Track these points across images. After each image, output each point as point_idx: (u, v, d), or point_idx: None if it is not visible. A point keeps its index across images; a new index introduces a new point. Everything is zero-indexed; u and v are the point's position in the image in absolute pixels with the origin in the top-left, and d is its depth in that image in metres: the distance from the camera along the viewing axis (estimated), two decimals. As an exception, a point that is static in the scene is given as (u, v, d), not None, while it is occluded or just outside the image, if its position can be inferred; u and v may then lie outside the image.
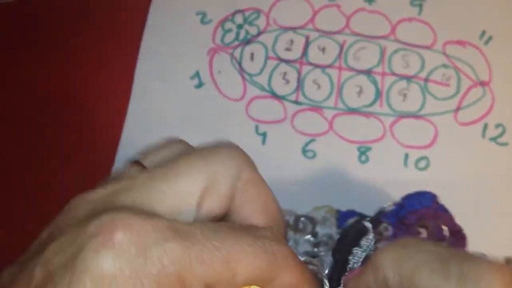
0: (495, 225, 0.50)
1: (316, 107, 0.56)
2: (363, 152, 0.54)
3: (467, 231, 0.37)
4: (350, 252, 0.26)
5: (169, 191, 0.23)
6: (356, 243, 0.26)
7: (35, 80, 0.60)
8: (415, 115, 0.55)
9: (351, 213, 0.33)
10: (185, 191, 0.24)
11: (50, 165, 0.55)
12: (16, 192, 0.55)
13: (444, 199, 0.38)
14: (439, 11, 0.59)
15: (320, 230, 0.34)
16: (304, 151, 0.54)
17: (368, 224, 0.27)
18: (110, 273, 0.20)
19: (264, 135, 0.55)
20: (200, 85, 0.58)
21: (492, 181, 0.52)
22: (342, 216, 0.33)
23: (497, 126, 0.54)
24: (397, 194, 0.39)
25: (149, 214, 0.22)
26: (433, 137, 0.54)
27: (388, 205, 0.34)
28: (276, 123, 0.55)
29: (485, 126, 0.54)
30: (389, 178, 0.52)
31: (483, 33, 0.58)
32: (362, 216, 0.32)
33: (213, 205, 0.24)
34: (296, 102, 0.56)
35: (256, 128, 0.55)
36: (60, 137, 0.57)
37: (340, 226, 0.32)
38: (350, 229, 0.26)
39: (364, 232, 0.27)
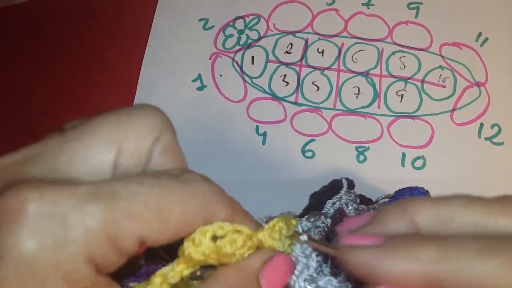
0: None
1: (315, 108, 0.57)
2: (361, 152, 0.55)
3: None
4: (325, 200, 0.28)
5: (84, 151, 0.22)
6: (331, 195, 0.29)
7: (39, 81, 0.61)
8: (412, 116, 0.56)
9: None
10: (101, 151, 0.23)
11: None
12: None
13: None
14: (435, 14, 0.60)
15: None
16: (304, 151, 0.55)
17: (345, 182, 0.30)
18: (30, 248, 0.19)
19: (264, 135, 0.56)
20: (202, 87, 0.59)
21: (488, 180, 0.52)
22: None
23: (493, 126, 0.55)
24: (394, 192, 0.40)
25: (63, 181, 0.21)
26: (429, 137, 0.55)
27: (381, 197, 0.36)
28: (276, 123, 0.57)
29: (481, 126, 0.55)
30: (386, 177, 0.53)
31: (480, 35, 0.59)
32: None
33: (130, 164, 0.23)
34: (295, 103, 0.57)
35: (257, 128, 0.57)
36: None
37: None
38: (330, 182, 0.29)
39: (339, 187, 0.30)
